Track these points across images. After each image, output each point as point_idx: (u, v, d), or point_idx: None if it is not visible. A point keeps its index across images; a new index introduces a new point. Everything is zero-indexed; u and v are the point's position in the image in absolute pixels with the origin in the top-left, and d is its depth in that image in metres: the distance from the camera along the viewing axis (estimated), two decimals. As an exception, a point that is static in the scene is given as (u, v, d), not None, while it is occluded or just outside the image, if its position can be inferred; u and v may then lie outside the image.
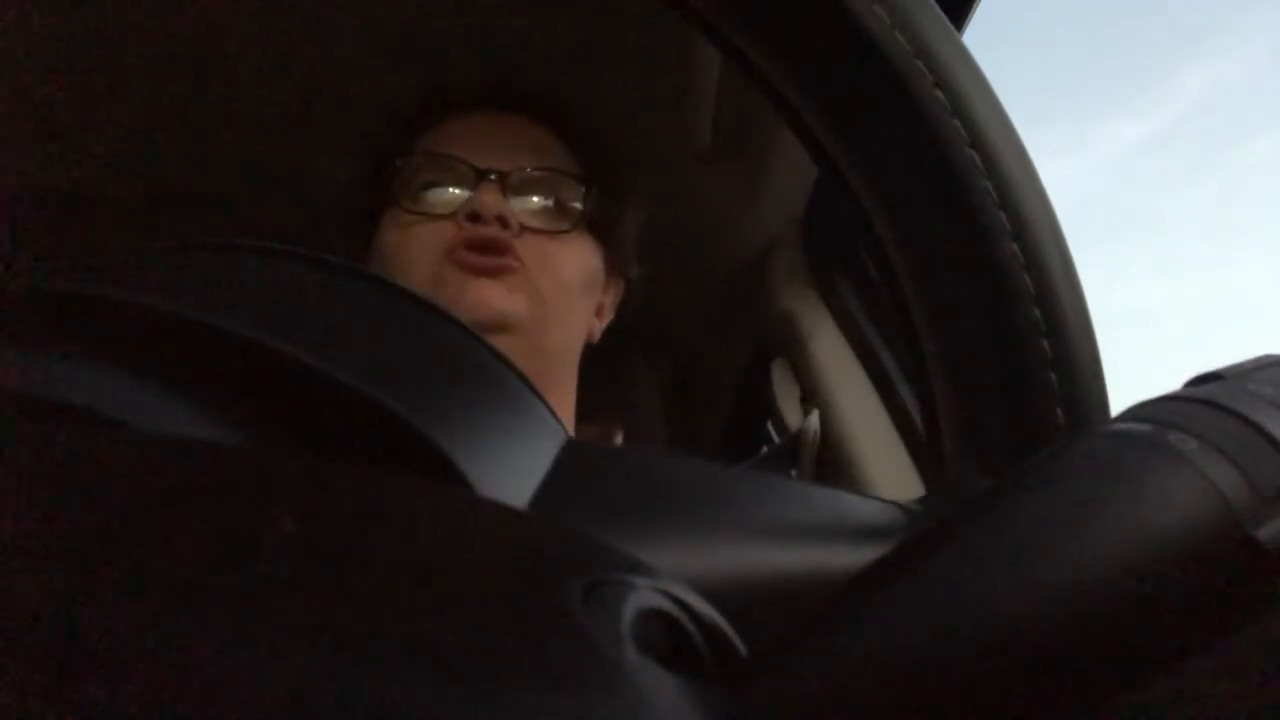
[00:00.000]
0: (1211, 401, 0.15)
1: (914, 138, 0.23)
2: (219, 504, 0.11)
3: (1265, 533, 0.13)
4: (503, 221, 0.58)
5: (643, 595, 0.12)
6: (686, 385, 1.17)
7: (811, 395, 0.89)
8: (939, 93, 0.23)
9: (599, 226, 0.64)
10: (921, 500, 0.23)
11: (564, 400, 0.66)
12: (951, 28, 0.24)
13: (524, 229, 0.59)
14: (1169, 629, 0.13)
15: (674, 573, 0.15)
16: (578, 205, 0.62)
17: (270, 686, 0.08)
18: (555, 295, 0.60)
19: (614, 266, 0.68)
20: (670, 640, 0.12)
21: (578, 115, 0.67)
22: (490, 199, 0.58)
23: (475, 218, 0.58)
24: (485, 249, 0.58)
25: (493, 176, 0.59)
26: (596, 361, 0.69)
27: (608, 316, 0.70)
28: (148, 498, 0.11)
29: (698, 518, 0.18)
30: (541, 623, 0.10)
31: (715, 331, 1.09)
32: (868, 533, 0.20)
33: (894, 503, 0.22)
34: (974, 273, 0.23)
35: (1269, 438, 0.14)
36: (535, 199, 0.61)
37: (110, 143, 0.81)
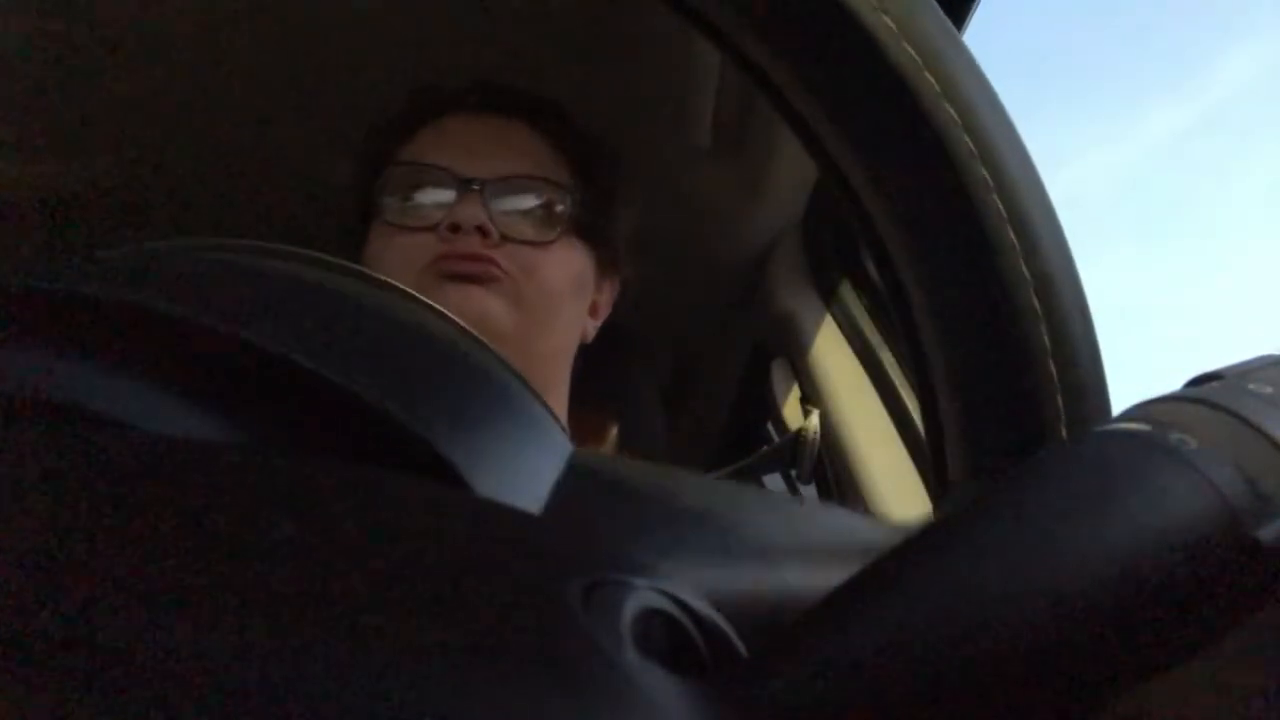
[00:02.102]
0: (1212, 402, 0.15)
1: (914, 135, 0.23)
2: (219, 505, 0.11)
3: (1265, 533, 0.13)
4: (483, 231, 0.57)
5: (643, 596, 0.12)
6: (686, 385, 1.17)
7: (811, 395, 0.89)
8: (930, 76, 0.23)
9: (588, 229, 0.63)
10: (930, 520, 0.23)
11: (556, 404, 0.65)
12: (954, 29, 0.24)
13: (506, 239, 0.58)
14: (1169, 629, 0.13)
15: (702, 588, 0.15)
16: (564, 211, 0.61)
17: (269, 687, 0.08)
18: (541, 303, 0.59)
19: (607, 266, 0.67)
20: (670, 641, 0.12)
21: (566, 116, 0.65)
22: (471, 210, 0.58)
23: (456, 229, 0.57)
24: (466, 257, 0.57)
25: (475, 186, 0.58)
26: (596, 361, 0.69)
27: (603, 314, 0.69)
28: (147, 498, 0.11)
29: (705, 534, 0.17)
30: (542, 623, 0.10)
31: (715, 331, 1.09)
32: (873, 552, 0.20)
33: (902, 526, 0.22)
34: (975, 270, 0.23)
35: (1269, 438, 0.14)
36: (519, 208, 0.60)
37: (110, 143, 0.81)
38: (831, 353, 0.89)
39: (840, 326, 0.91)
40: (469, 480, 0.15)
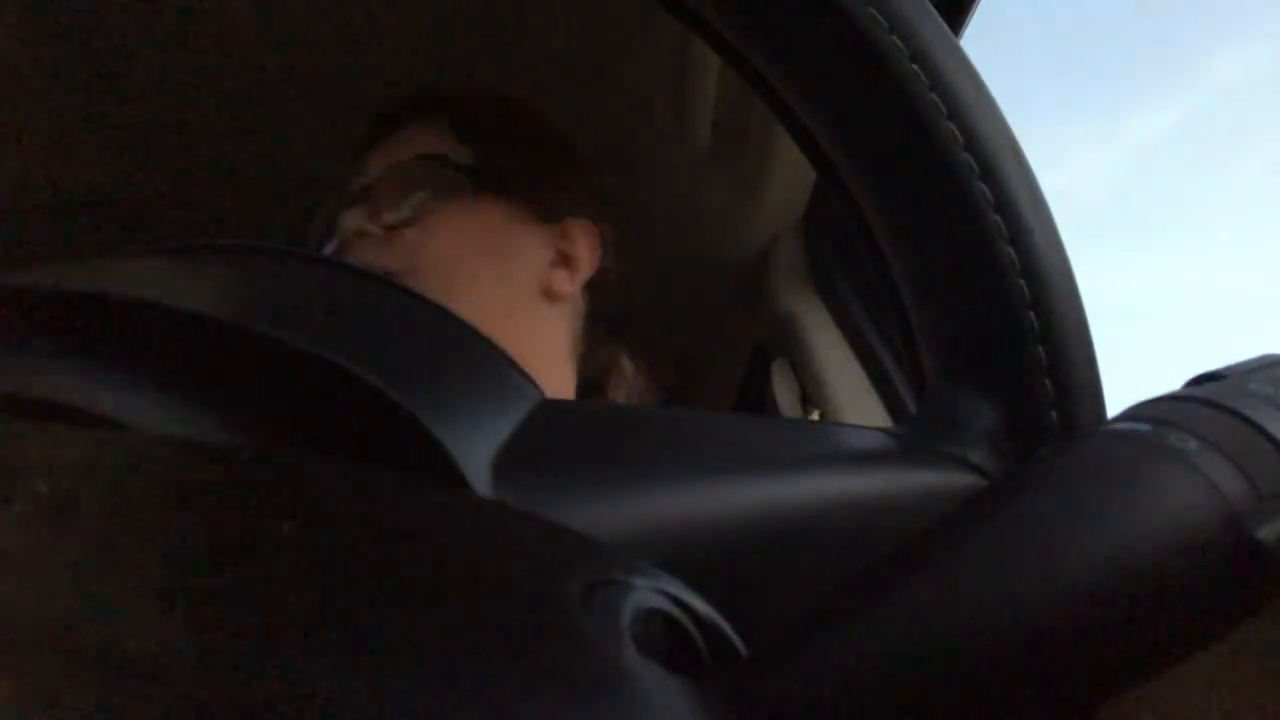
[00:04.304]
0: (1212, 401, 0.15)
1: (910, 138, 0.23)
2: (218, 505, 0.11)
3: (1265, 533, 0.13)
4: (361, 234, 0.59)
5: (642, 595, 0.12)
6: (686, 385, 1.17)
7: (811, 395, 0.89)
8: (927, 86, 0.23)
9: (493, 185, 0.61)
10: (905, 424, 0.23)
11: (535, 365, 0.62)
12: (946, 28, 0.24)
13: (389, 230, 0.59)
14: (1170, 628, 0.13)
15: (669, 514, 0.15)
16: (446, 179, 0.60)
17: (266, 687, 0.08)
18: (438, 272, 0.58)
19: (550, 214, 0.63)
20: (670, 640, 0.12)
21: (449, 97, 0.66)
22: (346, 223, 0.60)
23: (343, 248, 0.60)
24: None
25: (357, 194, 0.61)
26: (595, 361, 0.68)
27: (584, 266, 0.64)
28: (146, 498, 0.11)
29: (685, 458, 0.17)
30: (541, 623, 0.10)
31: (715, 331, 1.09)
32: (859, 458, 0.20)
33: (880, 429, 0.22)
34: (971, 273, 0.23)
35: (1269, 438, 0.14)
36: (400, 195, 0.61)
37: (110, 143, 0.81)
38: (831, 352, 0.89)
39: (840, 326, 0.90)
40: (436, 436, 0.15)
